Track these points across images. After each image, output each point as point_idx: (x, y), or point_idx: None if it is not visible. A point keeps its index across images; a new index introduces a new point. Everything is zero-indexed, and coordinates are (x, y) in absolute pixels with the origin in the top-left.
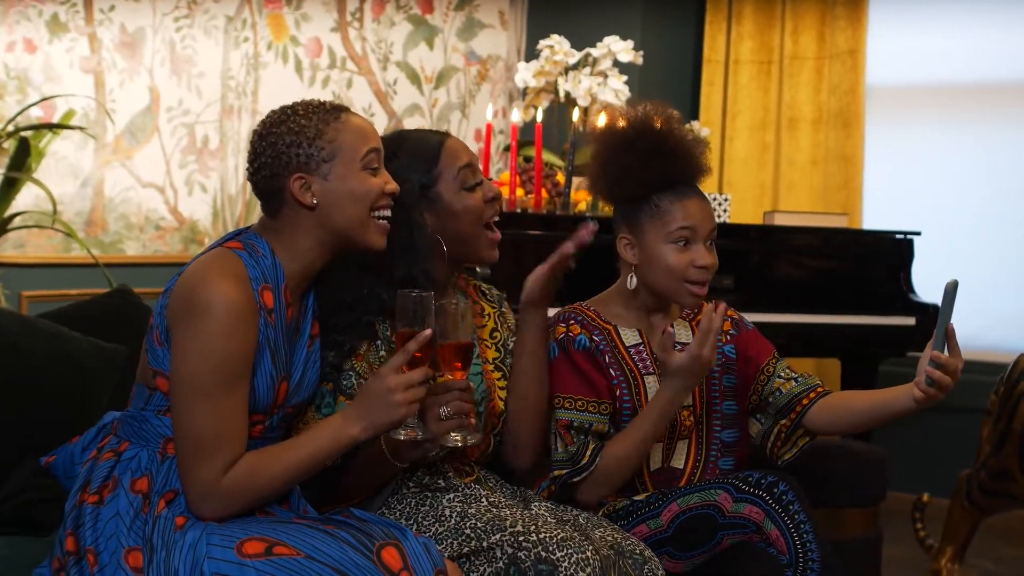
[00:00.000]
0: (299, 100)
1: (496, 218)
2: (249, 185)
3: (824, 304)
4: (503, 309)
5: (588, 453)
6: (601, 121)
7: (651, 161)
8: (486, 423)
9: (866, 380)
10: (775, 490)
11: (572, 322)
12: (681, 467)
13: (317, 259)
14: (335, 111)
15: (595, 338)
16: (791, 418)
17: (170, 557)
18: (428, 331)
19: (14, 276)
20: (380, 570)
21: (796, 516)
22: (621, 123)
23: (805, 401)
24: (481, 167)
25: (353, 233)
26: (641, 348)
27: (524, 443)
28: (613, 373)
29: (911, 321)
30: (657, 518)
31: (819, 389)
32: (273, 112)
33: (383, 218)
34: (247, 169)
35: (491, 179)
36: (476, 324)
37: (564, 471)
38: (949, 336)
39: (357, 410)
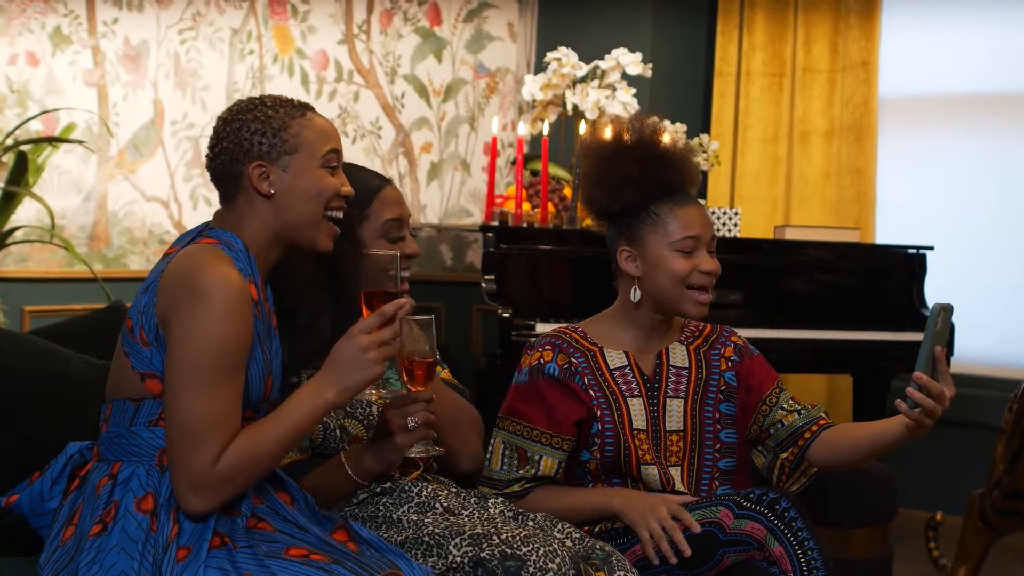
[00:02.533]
0: (268, 93)
1: (406, 274)
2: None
3: (835, 319)
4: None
5: (518, 486)
6: (607, 134)
7: (649, 166)
8: None
9: (878, 396)
10: (777, 506)
11: (546, 347)
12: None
13: (271, 249)
14: (301, 108)
15: (574, 360)
16: (793, 452)
17: None
18: (407, 299)
19: (16, 291)
20: None
21: (799, 533)
22: (611, 135)
23: (807, 435)
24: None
25: (304, 229)
26: (627, 371)
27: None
28: (592, 394)
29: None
30: None
31: (821, 422)
32: (240, 101)
33: (334, 220)
34: (206, 155)
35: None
36: None
37: (487, 487)
38: (937, 360)
39: (330, 374)
